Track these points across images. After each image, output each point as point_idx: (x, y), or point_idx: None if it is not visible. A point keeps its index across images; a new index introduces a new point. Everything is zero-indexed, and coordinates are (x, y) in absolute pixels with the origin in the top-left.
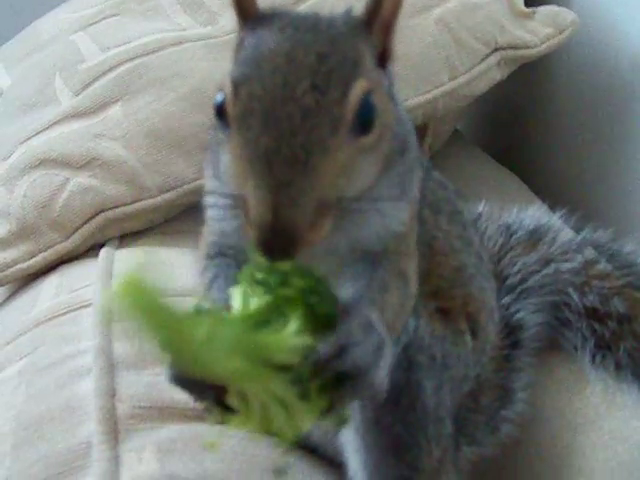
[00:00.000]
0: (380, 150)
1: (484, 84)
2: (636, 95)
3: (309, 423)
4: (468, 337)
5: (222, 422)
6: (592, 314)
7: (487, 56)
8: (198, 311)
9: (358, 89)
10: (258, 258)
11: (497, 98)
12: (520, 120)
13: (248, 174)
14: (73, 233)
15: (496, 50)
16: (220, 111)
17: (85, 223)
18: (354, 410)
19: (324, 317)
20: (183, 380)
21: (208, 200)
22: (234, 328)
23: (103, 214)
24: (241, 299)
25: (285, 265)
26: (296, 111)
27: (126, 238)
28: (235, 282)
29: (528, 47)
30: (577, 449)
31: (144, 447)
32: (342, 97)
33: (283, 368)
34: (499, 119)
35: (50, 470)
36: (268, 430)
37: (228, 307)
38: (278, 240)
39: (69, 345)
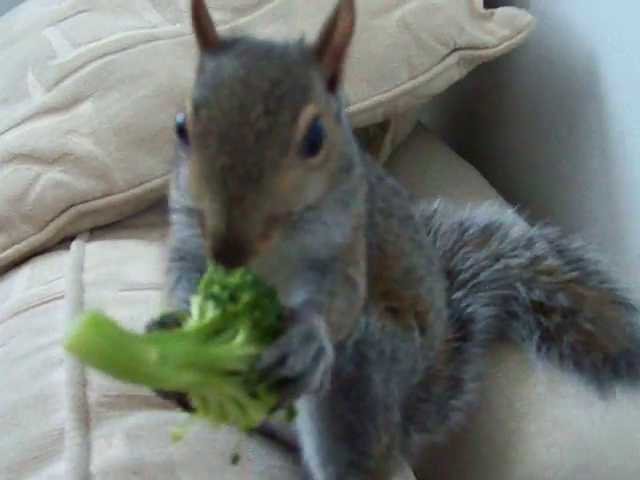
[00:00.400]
0: (327, 169)
1: (443, 83)
2: (589, 94)
3: (260, 417)
4: (416, 334)
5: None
6: (538, 308)
7: (446, 56)
8: (150, 330)
9: (307, 114)
10: (213, 266)
11: (461, 93)
12: (482, 115)
13: (205, 189)
14: (45, 226)
15: (455, 50)
16: (181, 130)
17: (57, 216)
18: (309, 399)
19: (269, 328)
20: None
21: (172, 208)
22: (186, 343)
23: (74, 208)
24: (198, 310)
25: (236, 277)
26: (250, 133)
27: (96, 231)
28: (196, 287)
29: (486, 47)
30: (522, 435)
31: (113, 433)
32: (292, 121)
33: (234, 373)
34: (463, 113)
35: (25, 455)
36: (225, 422)
37: (189, 313)
38: (230, 250)
39: (42, 336)
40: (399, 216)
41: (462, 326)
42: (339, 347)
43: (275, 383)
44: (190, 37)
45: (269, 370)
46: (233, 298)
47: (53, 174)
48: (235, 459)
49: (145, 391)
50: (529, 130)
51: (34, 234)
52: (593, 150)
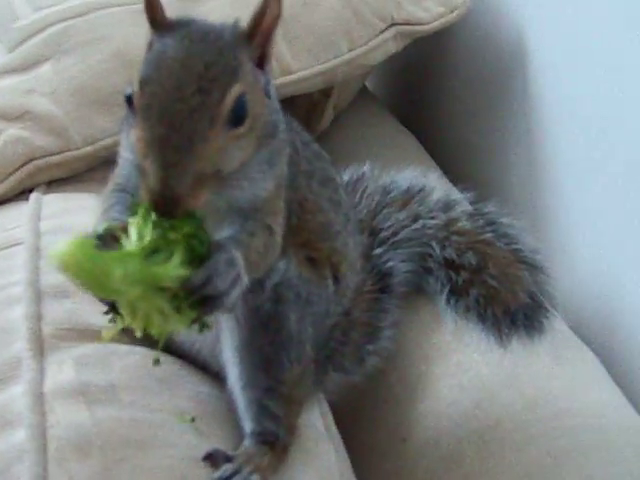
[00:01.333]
0: (252, 136)
1: (380, 55)
2: (518, 72)
3: (181, 327)
4: (330, 282)
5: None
6: (450, 265)
7: (384, 30)
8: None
9: (234, 92)
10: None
11: (404, 64)
12: (423, 86)
13: (146, 153)
14: (5, 179)
15: (392, 25)
16: (129, 101)
17: (16, 170)
18: (233, 333)
19: (200, 255)
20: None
21: (120, 160)
22: (135, 262)
23: (33, 162)
24: (136, 232)
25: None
26: (184, 109)
27: (52, 185)
28: (132, 212)
29: (421, 24)
30: (430, 376)
31: (64, 361)
32: (221, 99)
33: (165, 289)
34: (406, 83)
35: None
36: (150, 331)
37: (124, 227)
38: (165, 204)
39: (2, 278)
40: (320, 177)
41: (381, 279)
42: (259, 288)
43: (197, 300)
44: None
45: (196, 288)
46: (173, 227)
47: (14, 130)
48: (156, 362)
49: (93, 326)
50: (462, 103)
51: None
52: (517, 124)
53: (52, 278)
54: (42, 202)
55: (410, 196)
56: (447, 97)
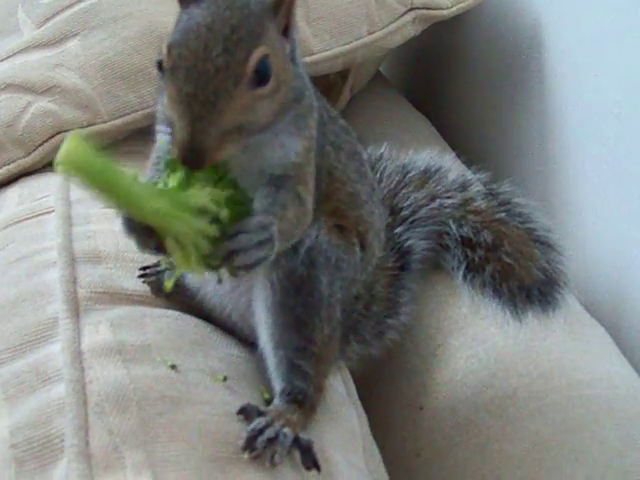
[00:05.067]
0: (276, 98)
1: (399, 38)
2: (533, 58)
3: (216, 263)
4: (357, 249)
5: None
6: (466, 242)
7: (403, 14)
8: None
9: (258, 53)
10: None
11: (420, 48)
12: (437, 70)
13: (176, 110)
14: (34, 150)
15: (411, 9)
16: (160, 66)
17: (45, 142)
18: (267, 295)
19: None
20: (132, 228)
21: (157, 133)
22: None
23: (60, 135)
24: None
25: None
26: (210, 68)
27: None
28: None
29: (440, 8)
30: (447, 348)
31: (100, 322)
32: (245, 59)
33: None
34: (420, 67)
35: (25, 338)
36: (189, 266)
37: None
38: (192, 156)
39: (35, 243)
40: (347, 150)
41: (401, 257)
42: (293, 252)
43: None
44: None
45: (226, 237)
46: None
47: (42, 103)
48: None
49: (125, 290)
50: (477, 87)
51: (23, 157)
52: (531, 109)
53: (85, 245)
54: None
55: (428, 176)
56: (461, 81)
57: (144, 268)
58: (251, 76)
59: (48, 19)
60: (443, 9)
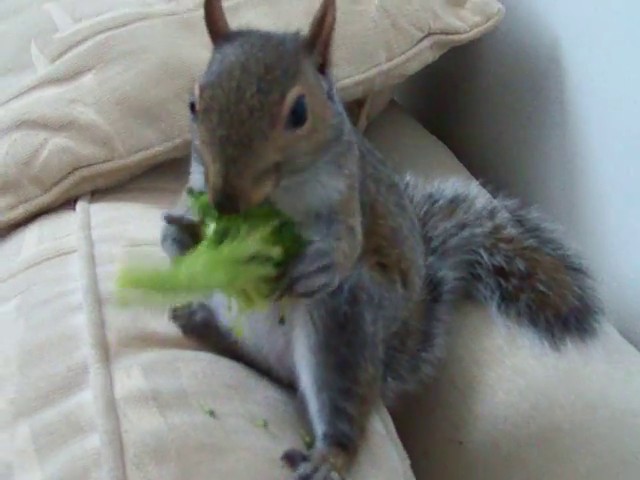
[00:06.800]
0: (314, 137)
1: (417, 64)
2: (551, 80)
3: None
4: (399, 287)
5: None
6: (499, 272)
7: (421, 40)
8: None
9: (294, 93)
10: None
11: (433, 74)
12: (452, 95)
13: (209, 153)
14: (51, 188)
15: (429, 35)
16: (192, 107)
17: (62, 179)
18: (309, 335)
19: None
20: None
21: (191, 169)
22: (205, 251)
23: (78, 172)
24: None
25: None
26: (244, 109)
27: (96, 194)
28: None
29: (458, 33)
30: (484, 381)
31: (131, 366)
32: (280, 99)
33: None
34: (434, 93)
35: (55, 385)
36: (251, 307)
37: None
38: (227, 201)
39: (59, 285)
40: (386, 183)
41: (433, 288)
42: (337, 289)
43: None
44: (183, 15)
45: (288, 271)
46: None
47: (59, 140)
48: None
49: (156, 332)
50: (495, 111)
51: (41, 195)
52: (553, 131)
53: (110, 285)
54: (90, 211)
55: (455, 204)
56: (478, 106)
57: (174, 309)
58: (287, 117)
59: (62, 54)
60: (461, 33)
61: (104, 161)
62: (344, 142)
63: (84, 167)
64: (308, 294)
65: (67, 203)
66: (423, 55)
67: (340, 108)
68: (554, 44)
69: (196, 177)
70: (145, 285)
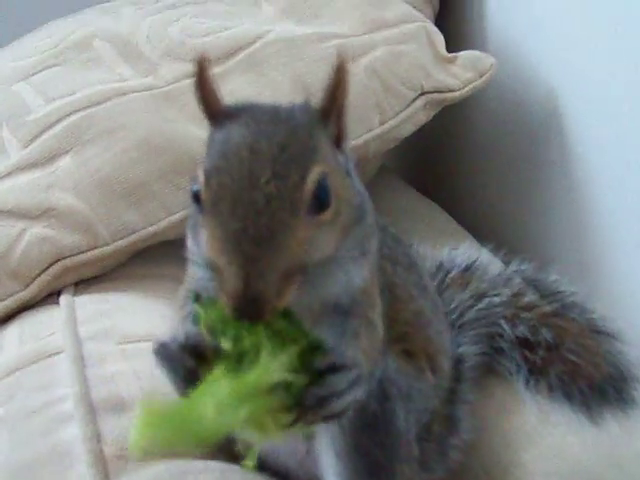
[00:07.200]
0: (338, 222)
1: (412, 126)
2: (550, 132)
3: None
4: (428, 374)
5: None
6: (523, 343)
7: (414, 100)
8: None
9: (315, 174)
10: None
11: (423, 133)
12: (444, 155)
13: (221, 252)
14: (32, 282)
15: (422, 94)
16: (196, 197)
17: (43, 272)
18: (335, 439)
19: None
20: None
21: (190, 258)
22: (226, 384)
23: (60, 262)
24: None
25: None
26: (260, 197)
27: (80, 284)
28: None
29: (451, 90)
30: (520, 464)
31: None
32: (300, 183)
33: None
34: (424, 154)
35: None
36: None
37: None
38: (249, 308)
39: (46, 392)
40: (404, 263)
41: (454, 366)
42: None
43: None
44: (163, 89)
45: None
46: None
47: (37, 229)
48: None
49: None
50: (492, 168)
51: (21, 290)
52: (557, 185)
53: (104, 391)
54: (75, 305)
55: (470, 274)
56: (471, 164)
57: None
58: (309, 201)
59: (36, 137)
60: (455, 91)
61: (87, 249)
62: (367, 223)
63: (66, 257)
64: (335, 415)
65: (49, 296)
66: (417, 116)
67: (359, 184)
68: (549, 97)
69: (195, 270)
70: (168, 431)
